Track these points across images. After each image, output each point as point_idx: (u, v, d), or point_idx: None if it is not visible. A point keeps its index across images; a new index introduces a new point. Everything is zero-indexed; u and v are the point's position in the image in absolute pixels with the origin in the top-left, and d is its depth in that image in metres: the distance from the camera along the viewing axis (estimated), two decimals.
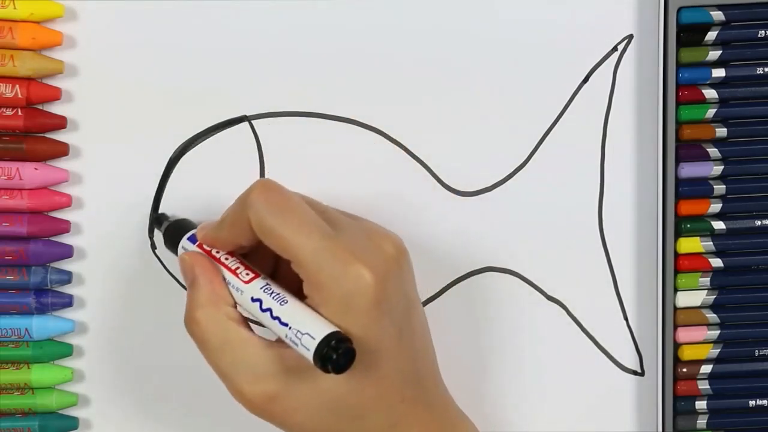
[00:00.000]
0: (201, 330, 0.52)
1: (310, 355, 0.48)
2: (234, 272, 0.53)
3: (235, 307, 0.52)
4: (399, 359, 0.51)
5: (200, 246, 0.54)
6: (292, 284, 0.51)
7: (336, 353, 0.48)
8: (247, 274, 0.52)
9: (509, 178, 0.61)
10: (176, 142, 0.59)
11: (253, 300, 0.51)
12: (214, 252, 0.54)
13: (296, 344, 0.49)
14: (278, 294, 0.51)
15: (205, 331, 0.51)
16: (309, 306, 0.50)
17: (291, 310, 0.50)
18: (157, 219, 0.59)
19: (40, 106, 0.58)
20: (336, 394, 0.50)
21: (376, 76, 0.60)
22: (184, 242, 0.55)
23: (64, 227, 0.59)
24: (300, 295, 0.51)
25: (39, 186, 0.58)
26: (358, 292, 0.49)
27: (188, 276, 0.53)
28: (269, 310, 0.51)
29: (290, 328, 0.49)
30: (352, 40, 0.59)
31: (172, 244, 0.56)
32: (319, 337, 0.48)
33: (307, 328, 0.49)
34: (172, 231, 0.57)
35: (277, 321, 0.50)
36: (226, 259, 0.53)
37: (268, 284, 0.52)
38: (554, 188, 0.61)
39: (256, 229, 0.51)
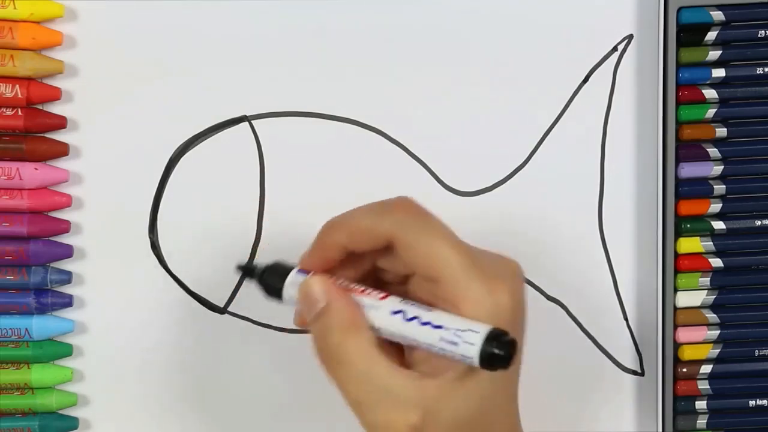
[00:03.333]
0: (345, 358, 0.48)
1: (475, 351, 0.46)
2: (362, 292, 0.49)
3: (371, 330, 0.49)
4: (513, 383, 0.50)
5: (315, 275, 0.50)
6: None
7: (503, 347, 0.45)
8: (378, 293, 0.49)
9: (509, 178, 0.61)
10: (176, 142, 0.59)
11: (394, 313, 0.48)
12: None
13: (456, 343, 0.46)
14: (420, 305, 0.48)
15: (349, 360, 0.48)
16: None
17: (442, 315, 0.48)
18: (246, 270, 0.53)
19: (40, 106, 0.58)
20: (470, 418, 0.48)
21: (376, 76, 0.60)
22: (295, 277, 0.50)
23: (64, 227, 0.59)
24: None
25: (39, 186, 0.58)
26: (503, 310, 0.48)
27: (319, 300, 0.49)
28: (416, 318, 0.48)
29: (446, 329, 0.47)
30: (352, 40, 0.59)
31: (275, 289, 0.51)
32: (484, 331, 0.46)
33: (466, 325, 0.47)
34: (270, 275, 0.52)
35: (428, 326, 0.47)
36: (347, 284, 0.50)
37: (404, 299, 0.49)
38: (554, 188, 0.61)
39: (400, 245, 0.49)
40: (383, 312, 0.49)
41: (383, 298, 0.49)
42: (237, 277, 0.60)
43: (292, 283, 0.50)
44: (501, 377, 0.48)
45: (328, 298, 0.49)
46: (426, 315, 0.48)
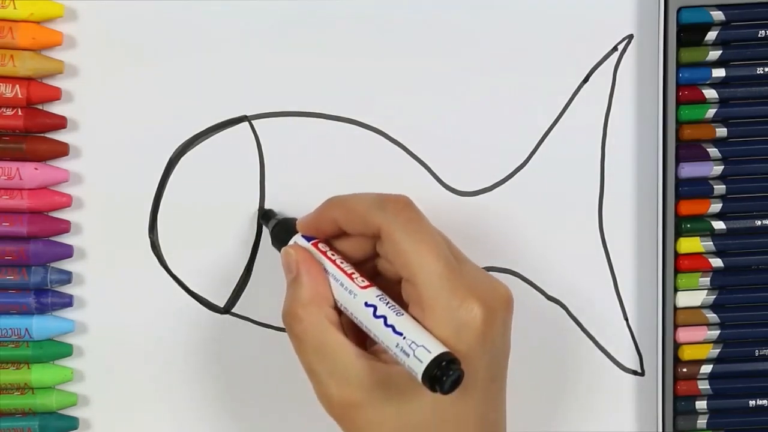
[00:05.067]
0: (301, 328, 0.51)
1: (420, 368, 0.48)
2: (350, 276, 0.52)
3: (335, 309, 0.52)
4: (487, 405, 0.51)
5: (315, 245, 0.54)
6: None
7: (447, 374, 0.47)
8: (363, 281, 0.52)
9: (509, 178, 0.61)
10: (176, 142, 0.59)
11: (367, 305, 0.51)
12: (329, 253, 0.53)
13: (407, 354, 0.49)
14: (393, 305, 0.51)
15: (305, 330, 0.51)
16: (419, 321, 0.50)
17: (406, 322, 0.50)
18: (265, 215, 0.59)
19: (40, 106, 0.58)
20: (418, 423, 0.50)
21: (377, 76, 0.60)
22: (299, 239, 0.54)
23: (64, 227, 0.59)
24: None
25: (39, 186, 0.58)
26: (468, 326, 0.49)
27: (292, 270, 0.53)
28: (384, 317, 0.50)
29: (404, 337, 0.49)
30: (352, 40, 0.59)
31: (280, 241, 0.56)
32: (435, 352, 0.48)
33: (422, 341, 0.49)
34: (281, 228, 0.56)
35: (390, 329, 0.50)
36: (342, 262, 0.53)
37: (383, 294, 0.51)
38: (554, 188, 0.61)
39: (385, 238, 0.51)
40: (358, 300, 0.51)
41: (364, 287, 0.52)
42: (237, 276, 0.60)
43: (295, 242, 0.54)
44: (453, 401, 0.49)
45: (297, 269, 0.52)
46: (393, 318, 0.50)
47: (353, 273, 0.52)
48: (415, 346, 0.48)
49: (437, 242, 0.51)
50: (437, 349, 0.48)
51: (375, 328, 0.50)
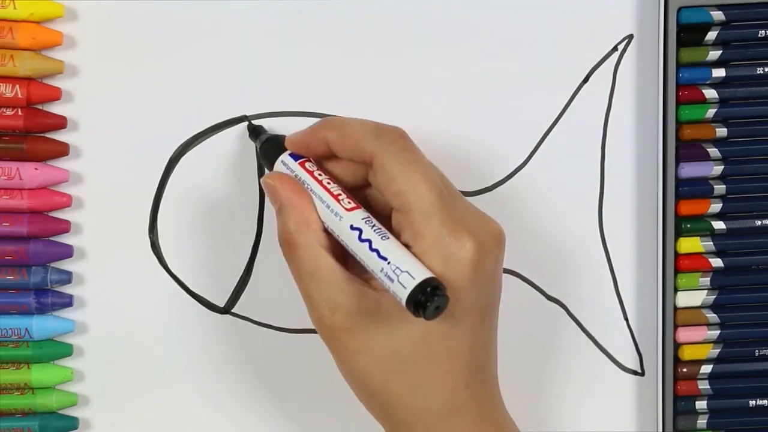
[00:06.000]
0: (295, 255, 0.51)
1: (405, 294, 0.47)
2: (336, 197, 0.51)
3: (325, 231, 0.51)
4: (475, 340, 0.51)
5: (302, 164, 0.53)
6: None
7: (431, 300, 0.47)
8: (349, 203, 0.51)
9: (509, 178, 0.61)
10: (176, 142, 0.59)
11: (353, 228, 0.50)
12: (317, 173, 0.53)
13: (392, 280, 0.48)
14: (380, 229, 0.50)
15: (299, 256, 0.51)
16: (409, 250, 0.49)
17: (392, 246, 0.49)
18: (254, 131, 0.58)
19: (40, 106, 0.58)
20: (407, 352, 0.50)
21: (376, 76, 0.60)
22: (286, 158, 0.54)
23: (64, 227, 0.59)
24: None
25: (39, 186, 0.58)
26: (459, 258, 0.49)
27: (275, 200, 0.52)
28: (368, 241, 0.50)
29: (389, 263, 0.48)
30: (352, 40, 0.59)
31: (268, 158, 0.55)
32: (419, 278, 0.47)
33: (407, 266, 0.48)
34: (270, 145, 0.56)
35: (375, 254, 0.49)
36: (329, 183, 0.52)
37: (369, 217, 0.51)
38: (554, 188, 0.61)
39: (378, 166, 0.50)
40: (343, 223, 0.51)
41: (351, 209, 0.51)
42: (237, 276, 0.60)
43: (281, 161, 0.54)
44: (443, 332, 0.49)
45: (279, 199, 0.52)
46: (378, 242, 0.49)
47: (340, 194, 0.51)
48: (399, 272, 0.48)
49: (431, 173, 0.50)
50: (422, 274, 0.48)
51: (360, 252, 0.50)
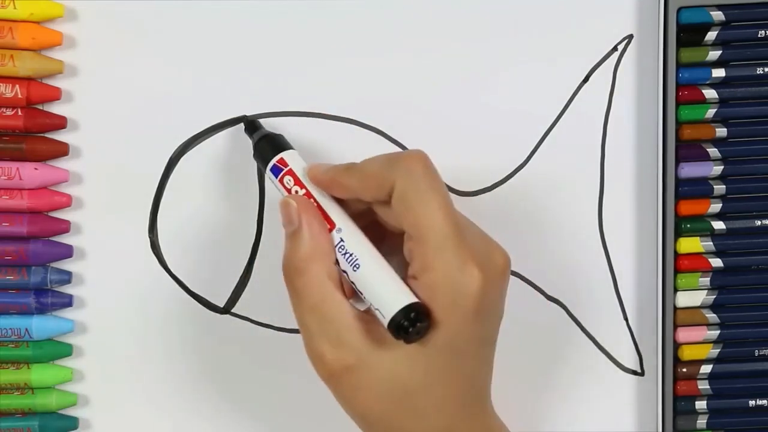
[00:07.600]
0: (302, 283, 0.50)
1: (385, 322, 0.49)
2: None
3: (337, 263, 0.51)
4: (475, 367, 0.51)
5: (281, 180, 0.53)
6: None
7: (411, 323, 0.48)
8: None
9: (509, 178, 0.61)
10: (176, 142, 0.59)
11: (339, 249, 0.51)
12: (294, 190, 0.53)
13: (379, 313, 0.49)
14: (351, 255, 0.50)
15: (305, 285, 0.50)
16: (404, 281, 0.50)
17: (364, 276, 0.50)
18: (250, 124, 0.58)
19: (40, 106, 0.58)
20: (407, 382, 0.50)
21: (376, 76, 0.60)
22: (268, 172, 0.54)
23: (64, 227, 0.59)
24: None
25: (39, 186, 0.58)
26: (467, 291, 0.49)
27: (293, 221, 0.51)
28: (345, 272, 0.50)
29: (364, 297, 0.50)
30: (352, 40, 0.59)
31: (263, 158, 0.55)
32: (389, 315, 0.48)
33: (378, 303, 0.49)
34: (267, 144, 0.55)
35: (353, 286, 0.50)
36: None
37: (342, 242, 0.51)
38: (554, 188, 0.61)
39: (396, 195, 0.50)
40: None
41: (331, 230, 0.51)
42: (237, 276, 0.60)
43: (274, 164, 0.54)
44: (445, 364, 0.49)
45: (300, 222, 0.51)
46: (351, 274, 0.50)
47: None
48: (374, 308, 0.49)
49: (449, 203, 0.50)
50: (409, 300, 0.48)
51: (352, 278, 0.50)
